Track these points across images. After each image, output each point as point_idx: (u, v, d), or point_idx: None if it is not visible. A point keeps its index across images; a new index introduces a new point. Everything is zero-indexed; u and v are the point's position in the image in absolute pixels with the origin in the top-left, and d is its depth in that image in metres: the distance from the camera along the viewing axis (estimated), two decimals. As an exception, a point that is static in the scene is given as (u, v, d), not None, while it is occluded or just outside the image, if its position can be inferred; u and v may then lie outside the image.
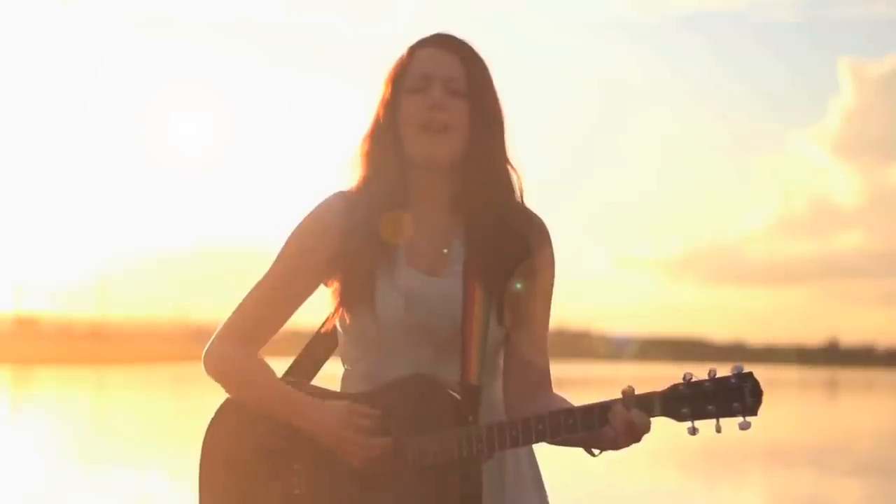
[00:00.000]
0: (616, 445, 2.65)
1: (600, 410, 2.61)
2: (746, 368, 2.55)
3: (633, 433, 2.60)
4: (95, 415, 28.92)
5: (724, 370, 2.58)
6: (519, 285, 2.80)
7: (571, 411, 2.63)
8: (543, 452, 2.91)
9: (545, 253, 2.84)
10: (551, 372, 2.91)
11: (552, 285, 2.87)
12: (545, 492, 2.90)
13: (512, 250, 2.79)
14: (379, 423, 2.73)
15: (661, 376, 4.31)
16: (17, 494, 12.89)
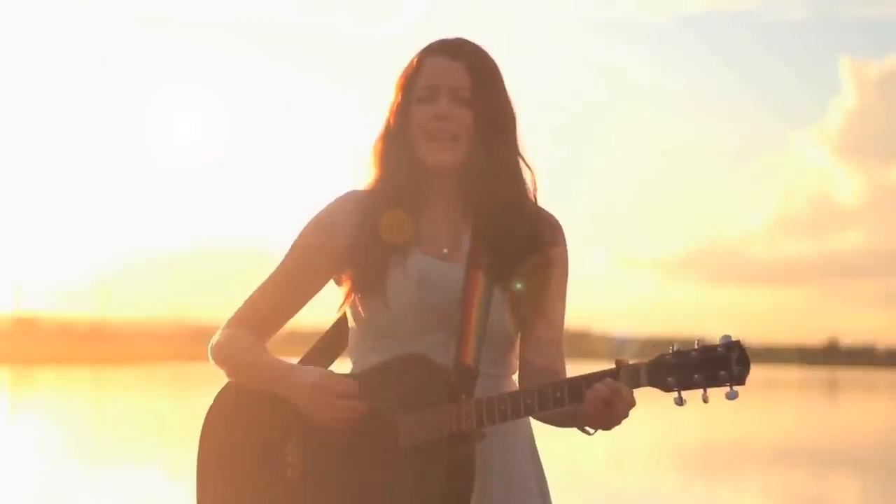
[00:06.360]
0: (601, 421, 2.60)
1: (587, 382, 2.58)
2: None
3: (616, 407, 2.56)
4: (95, 415, 28.93)
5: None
6: (519, 284, 2.81)
7: (559, 384, 2.61)
8: (544, 452, 2.91)
9: (558, 251, 2.86)
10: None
11: (566, 283, 2.89)
12: (550, 499, 2.90)
13: (522, 246, 2.81)
14: (355, 388, 2.74)
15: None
16: (18, 494, 12.89)
